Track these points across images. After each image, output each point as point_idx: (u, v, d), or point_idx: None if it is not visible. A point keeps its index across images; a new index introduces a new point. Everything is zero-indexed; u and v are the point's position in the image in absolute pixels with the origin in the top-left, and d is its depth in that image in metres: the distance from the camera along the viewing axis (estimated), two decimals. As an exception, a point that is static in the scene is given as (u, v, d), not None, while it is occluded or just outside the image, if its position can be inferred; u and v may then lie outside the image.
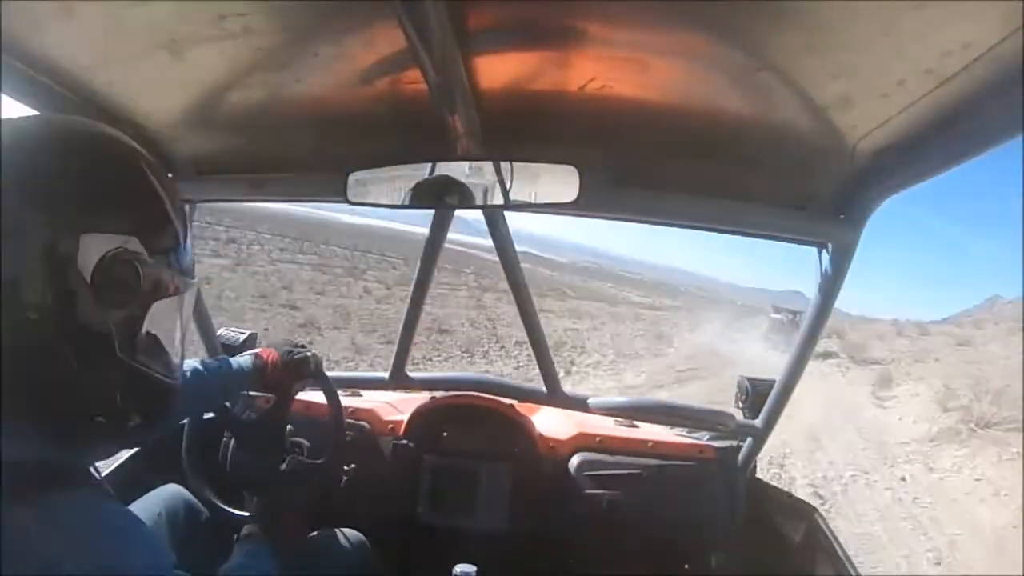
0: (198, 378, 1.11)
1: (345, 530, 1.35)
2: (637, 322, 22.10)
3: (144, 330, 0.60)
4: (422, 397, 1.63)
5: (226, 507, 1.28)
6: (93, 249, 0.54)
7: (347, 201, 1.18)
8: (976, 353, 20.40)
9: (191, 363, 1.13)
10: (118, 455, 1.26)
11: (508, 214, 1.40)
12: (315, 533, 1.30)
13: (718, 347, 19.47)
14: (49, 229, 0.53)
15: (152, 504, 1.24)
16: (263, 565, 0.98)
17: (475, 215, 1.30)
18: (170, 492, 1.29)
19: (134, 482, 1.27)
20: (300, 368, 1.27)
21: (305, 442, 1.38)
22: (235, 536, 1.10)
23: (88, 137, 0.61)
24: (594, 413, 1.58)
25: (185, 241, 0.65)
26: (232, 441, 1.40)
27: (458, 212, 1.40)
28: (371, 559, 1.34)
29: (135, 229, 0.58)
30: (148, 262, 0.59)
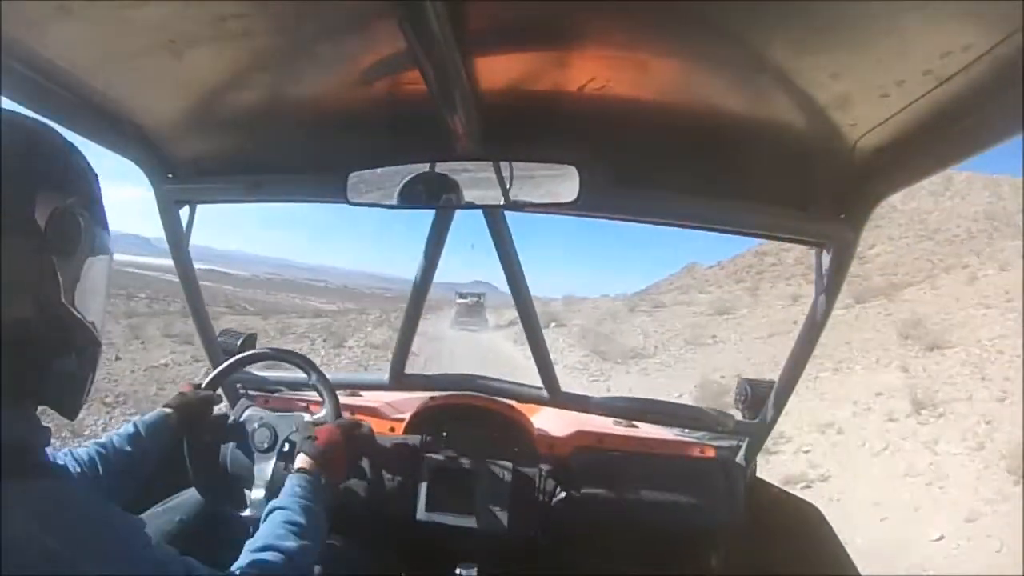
0: (113, 451, 1.07)
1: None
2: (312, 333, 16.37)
3: (81, 284, 0.68)
4: (422, 397, 1.62)
5: (228, 508, 1.28)
6: (46, 205, 0.63)
7: (347, 202, 1.18)
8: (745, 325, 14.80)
9: (102, 440, 1.09)
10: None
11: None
12: None
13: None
14: (12, 188, 0.61)
15: (171, 510, 1.25)
16: (311, 499, 0.95)
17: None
18: (189, 497, 1.29)
19: (148, 487, 1.27)
20: (209, 402, 1.29)
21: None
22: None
23: (34, 123, 0.69)
24: (594, 413, 1.58)
25: (105, 212, 0.74)
26: (232, 442, 1.40)
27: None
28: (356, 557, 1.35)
29: (76, 192, 0.68)
30: (87, 217, 0.68)
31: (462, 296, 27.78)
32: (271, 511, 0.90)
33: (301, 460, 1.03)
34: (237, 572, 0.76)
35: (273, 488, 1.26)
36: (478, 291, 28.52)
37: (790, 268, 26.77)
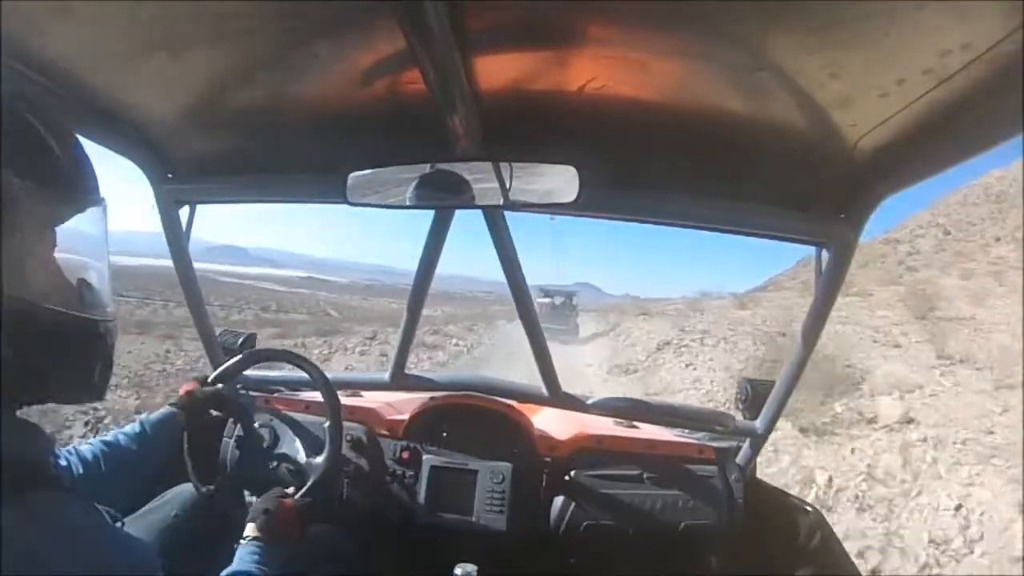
0: (117, 448, 1.07)
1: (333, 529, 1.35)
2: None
3: (39, 261, 0.58)
4: (422, 397, 1.62)
5: (226, 506, 1.28)
6: None
7: (347, 202, 1.18)
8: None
9: (107, 437, 1.09)
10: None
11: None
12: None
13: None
14: None
15: (166, 505, 1.25)
16: (264, 565, 0.97)
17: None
18: (184, 492, 1.29)
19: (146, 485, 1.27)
20: (217, 400, 1.26)
21: (298, 443, 1.38)
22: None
23: None
24: (594, 413, 1.58)
25: (77, 169, 0.64)
26: (232, 441, 1.40)
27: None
28: (356, 556, 1.35)
29: (4, 158, 0.56)
30: (19, 186, 0.56)
31: (546, 294, 21.26)
32: None
33: (250, 529, 1.03)
34: None
35: (255, 486, 1.27)
36: (566, 290, 22.36)
37: (930, 256, 21.41)
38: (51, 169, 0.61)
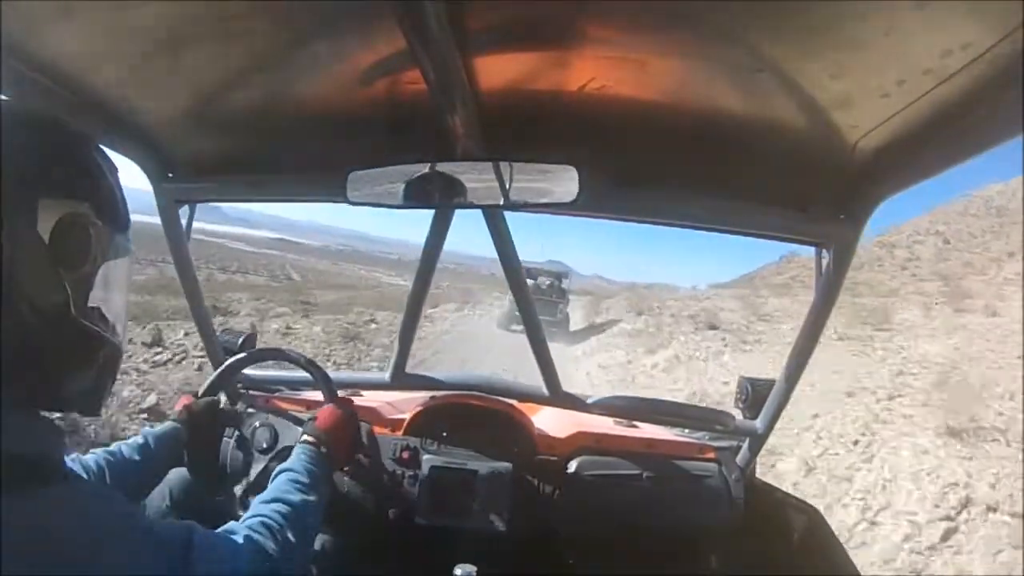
0: (121, 459, 1.08)
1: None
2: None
3: (94, 292, 0.65)
4: (422, 397, 1.62)
5: (223, 503, 1.29)
6: (50, 214, 0.59)
7: (347, 201, 1.18)
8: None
9: (112, 449, 1.10)
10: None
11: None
12: None
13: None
14: (10, 197, 0.56)
15: (159, 489, 1.25)
16: (314, 465, 1.01)
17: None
18: (177, 476, 1.29)
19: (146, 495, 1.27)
20: (214, 409, 1.30)
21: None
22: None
23: (38, 118, 0.66)
24: (594, 413, 1.58)
25: (126, 211, 0.71)
26: (232, 440, 1.40)
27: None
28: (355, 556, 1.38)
29: (85, 197, 0.64)
30: (98, 225, 0.64)
31: (529, 275, 15.31)
32: (278, 473, 0.96)
33: (304, 438, 1.08)
34: (246, 523, 0.80)
35: (256, 486, 1.28)
36: (556, 269, 18.29)
37: (933, 264, 20.34)
38: (116, 209, 0.69)
